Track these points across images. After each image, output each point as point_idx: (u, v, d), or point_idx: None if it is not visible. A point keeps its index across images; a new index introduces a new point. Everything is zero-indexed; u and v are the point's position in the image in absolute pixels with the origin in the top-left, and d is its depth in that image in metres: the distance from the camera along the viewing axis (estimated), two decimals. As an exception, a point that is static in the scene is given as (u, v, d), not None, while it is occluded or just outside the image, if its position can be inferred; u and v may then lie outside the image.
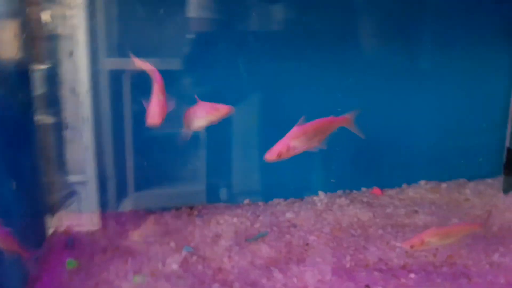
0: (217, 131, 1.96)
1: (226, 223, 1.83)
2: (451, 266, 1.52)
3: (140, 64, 1.33)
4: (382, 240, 1.66)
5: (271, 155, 1.15)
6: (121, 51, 1.78)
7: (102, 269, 1.47)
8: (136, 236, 1.76)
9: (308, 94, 1.99)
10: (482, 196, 1.98)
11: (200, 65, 1.87)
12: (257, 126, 2.02)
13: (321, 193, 2.08)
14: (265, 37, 1.90)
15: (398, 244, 1.62)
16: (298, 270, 1.44)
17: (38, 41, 1.64)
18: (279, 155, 1.15)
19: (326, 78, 2.01)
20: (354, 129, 1.29)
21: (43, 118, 1.69)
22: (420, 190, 2.08)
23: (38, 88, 1.65)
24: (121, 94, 1.81)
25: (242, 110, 1.96)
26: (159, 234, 1.74)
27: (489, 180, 2.14)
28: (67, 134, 1.77)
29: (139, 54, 1.73)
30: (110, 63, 1.77)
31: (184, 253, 1.58)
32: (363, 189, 2.13)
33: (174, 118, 1.33)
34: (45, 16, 1.65)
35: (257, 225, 1.80)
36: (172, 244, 1.63)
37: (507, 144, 2.10)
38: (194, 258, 1.54)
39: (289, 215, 1.89)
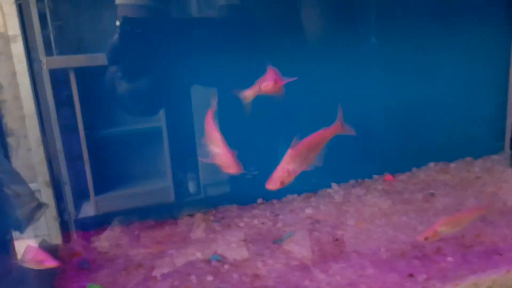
0: (229, 125, 1.90)
1: (247, 226, 1.76)
2: (481, 244, 1.53)
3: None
4: (409, 227, 1.65)
5: (274, 185, 1.11)
6: (61, 48, 1.69)
7: (132, 290, 1.37)
8: (155, 250, 1.66)
9: (312, 87, 1.95)
10: (492, 173, 2.02)
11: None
12: (265, 121, 1.96)
13: (334, 184, 2.05)
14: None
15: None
16: (338, 267, 1.40)
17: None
18: (282, 183, 1.11)
19: (329, 69, 1.97)
20: (347, 130, 1.24)
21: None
22: (431, 172, 2.10)
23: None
24: (67, 94, 1.71)
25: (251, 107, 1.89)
26: (180, 245, 1.65)
27: (495, 157, 2.19)
28: (11, 140, 1.66)
29: (79, 50, 1.65)
30: (52, 62, 1.66)
31: (213, 262, 1.50)
32: (375, 176, 2.12)
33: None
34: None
35: (279, 225, 1.75)
36: (199, 255, 1.55)
37: (508, 120, 2.16)
38: (226, 266, 1.47)
39: (308, 211, 1.84)
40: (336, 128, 1.23)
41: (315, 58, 1.94)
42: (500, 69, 2.16)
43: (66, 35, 1.74)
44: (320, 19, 1.96)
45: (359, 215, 1.78)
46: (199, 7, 1.81)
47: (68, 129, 1.76)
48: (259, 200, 2.00)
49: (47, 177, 1.63)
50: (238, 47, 1.80)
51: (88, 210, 1.86)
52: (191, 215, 1.88)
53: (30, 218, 1.50)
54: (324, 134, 1.21)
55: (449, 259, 1.42)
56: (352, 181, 2.10)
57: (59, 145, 1.73)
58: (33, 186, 1.57)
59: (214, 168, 1.25)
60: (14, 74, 1.54)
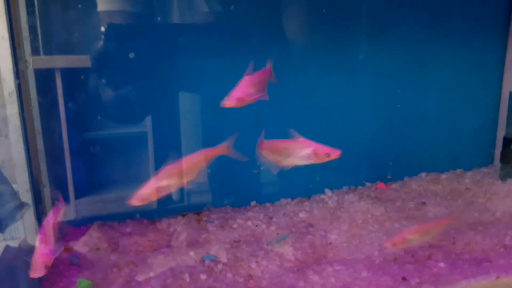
0: (215, 130, 1.91)
1: (241, 227, 1.76)
2: (472, 252, 1.56)
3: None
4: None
5: (135, 202, 1.09)
6: (47, 48, 1.65)
7: (123, 286, 1.35)
8: (147, 247, 1.64)
9: (309, 91, 1.98)
10: (481, 185, 2.07)
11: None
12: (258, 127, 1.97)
13: (327, 190, 2.07)
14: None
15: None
16: (332, 269, 1.41)
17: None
18: (146, 200, 1.10)
19: (319, 76, 2.00)
20: (234, 154, 1.27)
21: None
22: (422, 182, 2.13)
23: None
24: (52, 94, 1.67)
25: (243, 110, 1.90)
26: (173, 244, 1.64)
27: (484, 169, 2.23)
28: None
29: (66, 51, 1.62)
30: (38, 62, 1.62)
31: (206, 262, 1.49)
32: (368, 184, 2.14)
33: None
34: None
35: (273, 227, 1.75)
36: (192, 254, 1.53)
37: (499, 133, 2.21)
38: (220, 266, 1.46)
39: (302, 215, 1.85)
40: (221, 150, 1.25)
41: (311, 67, 1.97)
42: (491, 83, 2.22)
43: (53, 35, 1.69)
44: (313, 28, 1.98)
45: (352, 221, 1.79)
46: (184, 13, 1.80)
47: (51, 130, 1.71)
48: (253, 203, 2.00)
49: (26, 179, 1.57)
50: (224, 53, 1.79)
51: (68, 213, 1.79)
52: (184, 215, 1.87)
53: (11, 218, 1.47)
54: (207, 154, 1.23)
55: (441, 265, 1.44)
56: (345, 188, 2.11)
57: (40, 146, 1.68)
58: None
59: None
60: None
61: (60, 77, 1.65)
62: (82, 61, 1.66)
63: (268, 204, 2.00)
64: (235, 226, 1.77)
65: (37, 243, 1.16)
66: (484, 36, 2.13)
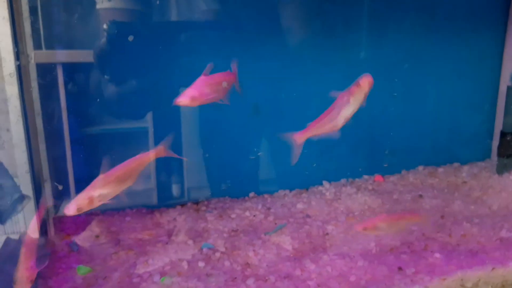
0: (214, 124, 1.91)
1: (239, 217, 1.77)
2: (467, 243, 1.57)
3: None
4: (398, 225, 1.69)
5: (69, 212, 1.08)
6: (49, 43, 1.62)
7: (122, 273, 1.36)
8: (146, 235, 1.65)
9: (306, 86, 1.98)
10: (478, 178, 2.08)
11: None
12: (257, 119, 1.98)
13: (325, 182, 2.08)
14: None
15: (414, 228, 1.65)
16: (328, 259, 1.42)
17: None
18: (79, 209, 1.09)
19: (316, 69, 2.00)
20: (171, 154, 1.28)
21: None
22: (420, 175, 2.14)
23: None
24: (54, 89, 1.66)
25: (242, 103, 1.91)
26: (171, 232, 1.65)
27: (481, 163, 2.25)
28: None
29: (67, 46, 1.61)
30: (40, 56, 1.60)
31: (204, 250, 1.50)
32: (365, 176, 2.15)
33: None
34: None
35: (270, 218, 1.76)
36: (190, 242, 1.55)
37: (496, 128, 2.22)
38: (217, 254, 1.47)
39: (300, 206, 1.86)
40: (157, 153, 1.26)
41: (308, 62, 1.97)
42: (489, 77, 2.22)
43: (55, 30, 1.66)
44: (310, 26, 1.99)
45: (350, 212, 1.81)
46: (184, 11, 1.81)
47: (53, 125, 1.70)
48: (251, 194, 2.01)
49: (28, 173, 1.54)
50: (226, 49, 1.80)
51: (67, 202, 1.77)
52: (182, 205, 1.88)
53: (12, 210, 1.48)
54: (143, 159, 1.23)
55: (437, 255, 1.45)
56: (343, 180, 2.12)
57: (42, 140, 1.67)
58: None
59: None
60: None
61: (62, 72, 1.64)
62: (84, 55, 1.66)
63: (266, 195, 2.01)
64: (233, 216, 1.78)
65: (21, 258, 1.14)
66: (482, 31, 2.14)
